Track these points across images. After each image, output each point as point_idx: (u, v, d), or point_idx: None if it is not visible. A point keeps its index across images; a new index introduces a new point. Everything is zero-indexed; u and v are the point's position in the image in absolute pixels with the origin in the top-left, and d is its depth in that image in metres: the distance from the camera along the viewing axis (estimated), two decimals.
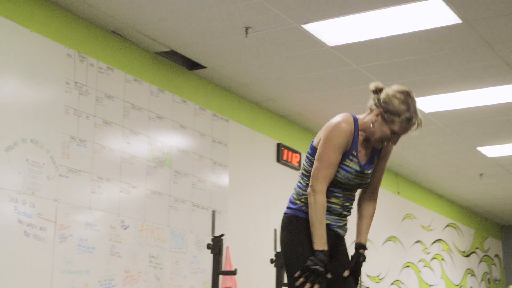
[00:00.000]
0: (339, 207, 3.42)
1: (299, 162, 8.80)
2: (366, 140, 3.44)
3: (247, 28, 6.13)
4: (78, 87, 5.82)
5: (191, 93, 7.14)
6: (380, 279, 10.56)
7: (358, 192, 3.60)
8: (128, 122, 6.28)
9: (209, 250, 5.98)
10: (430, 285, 12.31)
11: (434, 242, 12.60)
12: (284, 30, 6.18)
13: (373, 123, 3.37)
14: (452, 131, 9.10)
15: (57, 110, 5.61)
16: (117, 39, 6.33)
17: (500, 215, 14.89)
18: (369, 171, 3.46)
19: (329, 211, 3.38)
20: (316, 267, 3.21)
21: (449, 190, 12.51)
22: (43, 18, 5.62)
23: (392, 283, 10.94)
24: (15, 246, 5.12)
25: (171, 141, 6.78)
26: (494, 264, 15.45)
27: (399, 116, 3.32)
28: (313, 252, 3.28)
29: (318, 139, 3.45)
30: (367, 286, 8.50)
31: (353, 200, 3.51)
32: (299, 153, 8.83)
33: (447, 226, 13.22)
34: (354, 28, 6.18)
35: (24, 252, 5.18)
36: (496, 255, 15.63)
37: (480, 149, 9.93)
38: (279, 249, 6.83)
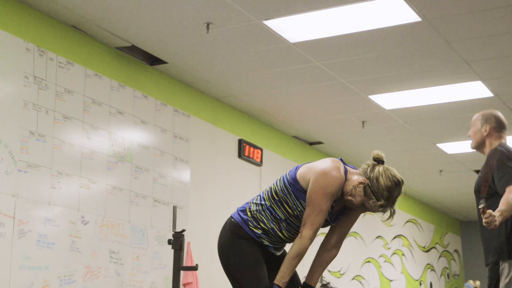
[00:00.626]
0: (285, 238, 3.48)
1: (261, 158, 8.82)
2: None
3: (208, 24, 6.12)
4: (37, 82, 5.76)
5: (152, 89, 7.11)
6: (341, 274, 10.63)
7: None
8: (88, 117, 6.23)
9: (170, 246, 5.97)
10: (391, 280, 12.42)
11: (394, 237, 12.72)
12: (245, 26, 6.19)
13: (354, 187, 3.38)
14: (412, 128, 9.19)
15: (16, 105, 5.55)
16: (77, 34, 6.28)
17: (460, 211, 15.08)
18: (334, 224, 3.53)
19: (274, 237, 3.45)
20: None
21: (409, 186, 12.62)
22: (1, 11, 5.55)
23: (353, 278, 11.02)
24: None
25: (132, 136, 6.75)
26: (454, 259, 15.64)
27: (377, 199, 3.34)
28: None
29: (305, 178, 3.43)
30: (327, 282, 8.55)
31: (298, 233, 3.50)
32: (261, 149, 8.84)
33: (407, 221, 13.36)
34: (315, 25, 6.20)
35: None
36: (456, 251, 15.83)
37: (440, 145, 10.04)
38: None
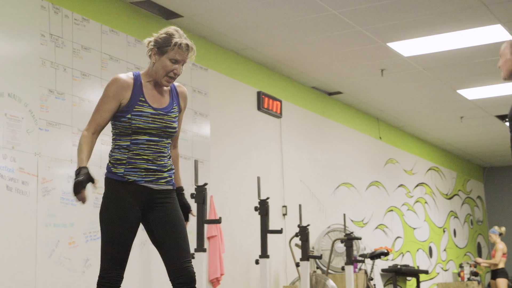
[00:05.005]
0: (144, 162, 3.55)
1: (280, 110, 8.80)
2: (157, 85, 3.65)
3: None
4: (54, 40, 5.75)
5: None
6: (364, 224, 10.66)
7: None
8: (106, 74, 6.23)
9: (193, 200, 6.00)
10: (414, 228, 12.45)
11: (416, 185, 12.72)
12: None
13: (154, 63, 3.60)
14: (431, 74, 9.12)
15: (34, 63, 5.55)
16: None
17: (482, 157, 15.02)
18: (172, 115, 3.64)
19: (135, 167, 3.55)
20: (77, 179, 3.45)
21: (430, 133, 12.58)
22: None
23: (376, 227, 11.05)
24: None
25: None
26: (477, 206, 15.63)
27: (170, 44, 3.55)
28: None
29: None
30: (351, 231, 8.57)
31: (164, 153, 3.62)
32: (280, 101, 8.82)
33: (429, 169, 13.33)
34: None
35: (8, 206, 5.18)
36: (479, 197, 15.80)
37: (460, 91, 9.96)
38: (263, 197, 6.91)
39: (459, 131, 12.39)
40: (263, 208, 6.81)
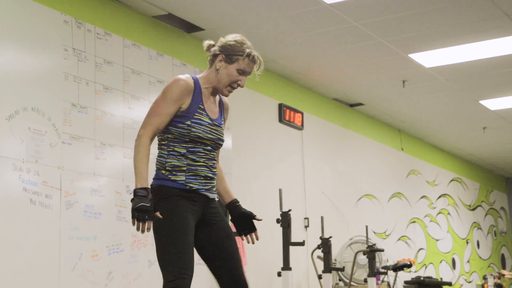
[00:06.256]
0: (204, 169, 3.42)
1: (302, 122, 8.80)
2: (213, 93, 3.50)
3: None
4: (77, 54, 5.80)
5: (190, 56, 7.11)
6: (386, 235, 10.61)
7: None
8: (128, 87, 6.27)
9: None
10: (437, 240, 12.38)
11: (439, 197, 12.65)
12: None
13: (217, 70, 3.43)
14: (454, 85, 9.08)
15: (57, 78, 5.60)
16: (114, 4, 6.29)
17: (505, 168, 14.92)
18: (222, 127, 3.51)
19: (196, 174, 3.39)
20: (140, 204, 3.18)
21: (453, 144, 12.51)
22: None
23: (398, 239, 11.00)
24: (22, 214, 5.15)
25: None
26: (500, 217, 15.51)
27: (242, 54, 3.41)
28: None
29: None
30: (373, 243, 8.54)
31: (215, 163, 3.49)
32: (301, 113, 8.82)
33: (452, 180, 13.26)
34: None
35: (31, 220, 5.21)
36: (502, 208, 15.69)
37: (482, 102, 9.91)
38: (284, 209, 6.90)
39: (481, 141, 12.32)
40: (285, 220, 6.80)
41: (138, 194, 3.22)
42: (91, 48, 5.94)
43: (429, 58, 8.05)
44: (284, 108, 8.51)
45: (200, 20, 6.80)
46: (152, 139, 3.35)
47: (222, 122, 3.53)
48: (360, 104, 9.91)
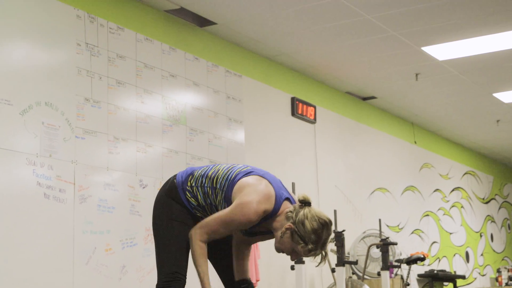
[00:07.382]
0: None
1: (315, 115, 8.78)
2: (264, 232, 3.43)
3: None
4: (90, 48, 5.82)
5: (203, 50, 7.12)
6: (400, 229, 10.60)
7: None
8: (141, 82, 6.28)
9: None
10: (450, 233, 12.35)
11: (452, 190, 12.61)
12: None
13: (282, 232, 3.28)
14: (467, 78, 9.04)
15: (70, 72, 5.62)
16: None
17: None
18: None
19: (206, 211, 3.43)
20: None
21: (466, 137, 12.47)
22: None
23: (412, 232, 10.98)
24: (36, 209, 5.18)
25: (185, 99, 6.78)
26: None
27: (305, 244, 3.24)
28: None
29: (234, 195, 3.31)
30: (386, 237, 8.53)
31: None
32: (314, 106, 8.81)
33: (466, 173, 13.22)
34: None
35: (45, 214, 5.24)
36: None
37: (496, 95, 9.87)
38: None
39: (495, 134, 12.27)
40: None
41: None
42: (103, 43, 5.95)
43: (442, 51, 8.02)
44: (297, 102, 8.50)
45: (212, 14, 6.80)
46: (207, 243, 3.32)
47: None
48: (373, 97, 9.89)
